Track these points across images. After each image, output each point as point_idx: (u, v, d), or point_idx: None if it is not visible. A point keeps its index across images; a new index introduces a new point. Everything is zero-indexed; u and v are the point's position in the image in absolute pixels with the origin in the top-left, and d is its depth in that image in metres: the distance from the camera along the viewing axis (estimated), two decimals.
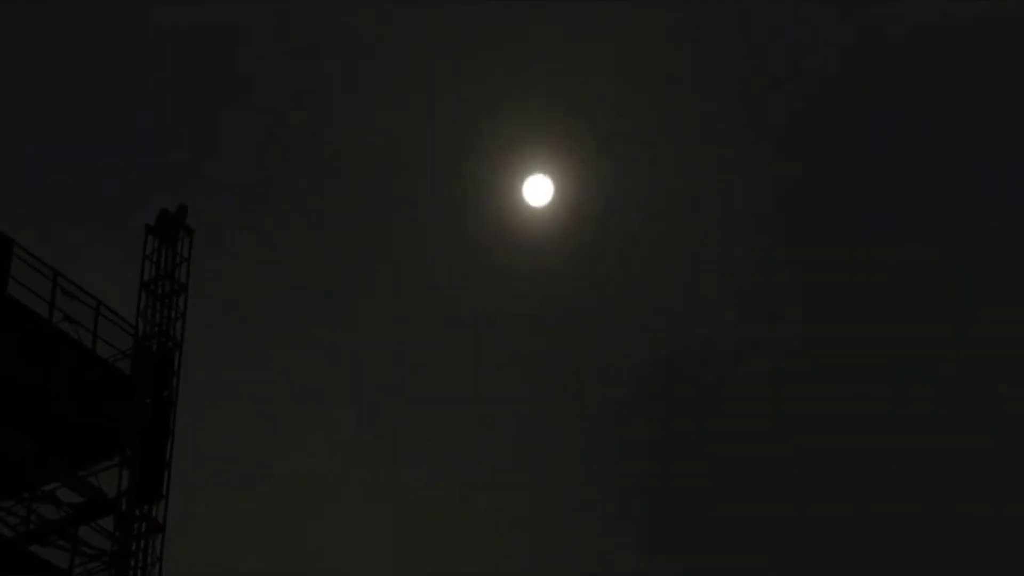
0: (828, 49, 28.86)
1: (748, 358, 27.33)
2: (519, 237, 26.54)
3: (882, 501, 24.83)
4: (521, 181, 25.21)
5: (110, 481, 8.40)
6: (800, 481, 25.79)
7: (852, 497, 24.93)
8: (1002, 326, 26.38)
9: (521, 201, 25.79)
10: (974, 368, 26.45)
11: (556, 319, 27.24)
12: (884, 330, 27.49)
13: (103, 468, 8.55)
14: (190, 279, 10.70)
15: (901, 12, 27.42)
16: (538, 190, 25.26)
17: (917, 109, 29.73)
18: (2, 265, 7.66)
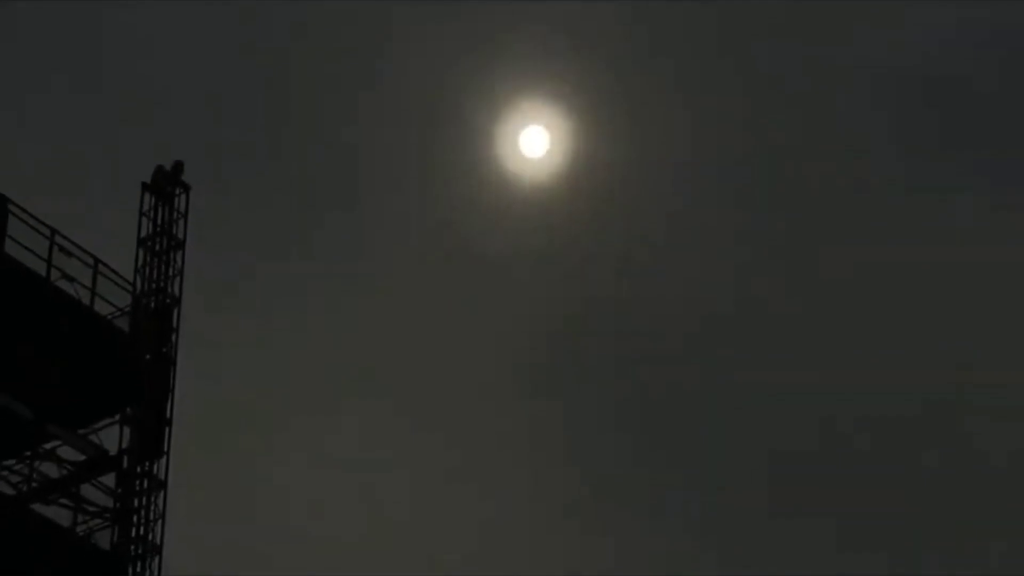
0: None
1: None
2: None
3: None
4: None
5: (111, 439, 8.40)
6: None
7: None
8: None
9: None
10: None
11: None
12: None
13: (104, 426, 8.52)
14: (187, 236, 10.46)
15: None
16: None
17: None
18: None
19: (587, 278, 29.09)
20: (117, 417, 8.53)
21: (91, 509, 8.01)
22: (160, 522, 8.18)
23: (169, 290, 9.77)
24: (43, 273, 7.64)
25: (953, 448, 26.90)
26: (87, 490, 8.07)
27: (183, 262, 10.24)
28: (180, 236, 10.27)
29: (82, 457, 8.13)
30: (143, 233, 9.94)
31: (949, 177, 28.74)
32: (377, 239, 29.25)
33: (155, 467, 8.40)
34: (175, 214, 10.35)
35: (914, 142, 30.33)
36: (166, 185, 10.45)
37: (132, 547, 8.00)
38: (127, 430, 8.45)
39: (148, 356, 8.93)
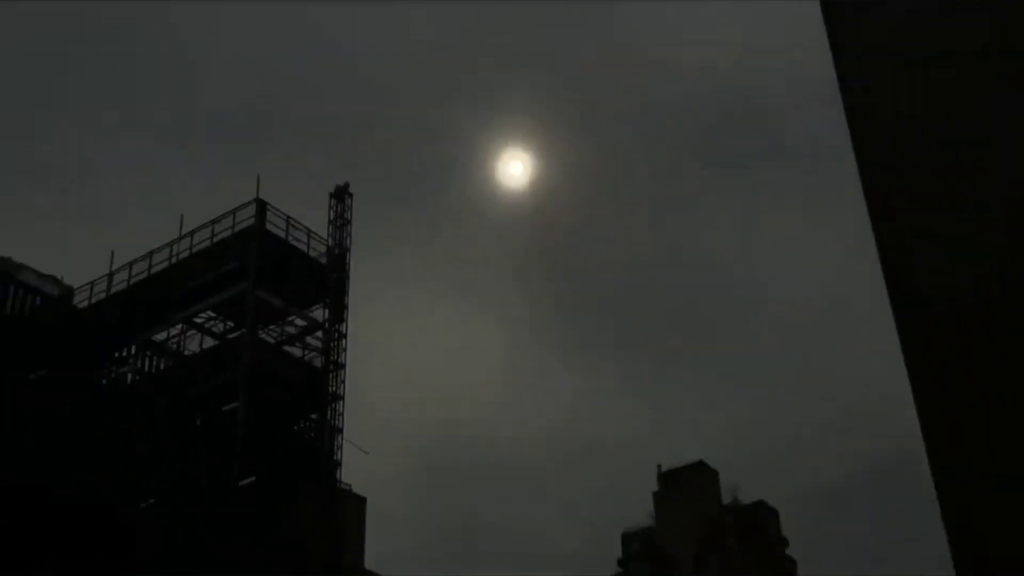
0: None
1: None
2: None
3: None
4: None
5: (318, 315, 16.39)
6: None
7: None
8: None
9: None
10: None
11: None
12: None
13: (315, 308, 16.58)
14: (353, 216, 18.56)
15: None
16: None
17: None
18: (259, 213, 15.98)
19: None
20: (323, 304, 16.49)
21: (311, 348, 15.91)
22: (344, 354, 15.66)
23: (345, 244, 17.78)
24: (284, 237, 16.14)
25: None
26: (311, 341, 16.07)
27: (351, 232, 18.30)
28: (348, 217, 18.39)
29: (305, 323, 16.17)
30: (330, 217, 18.29)
31: None
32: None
33: (343, 327, 16.01)
34: (346, 207, 18.56)
35: None
36: (342, 194, 18.82)
37: (331, 367, 15.58)
38: (326, 311, 16.30)
39: (334, 276, 16.84)
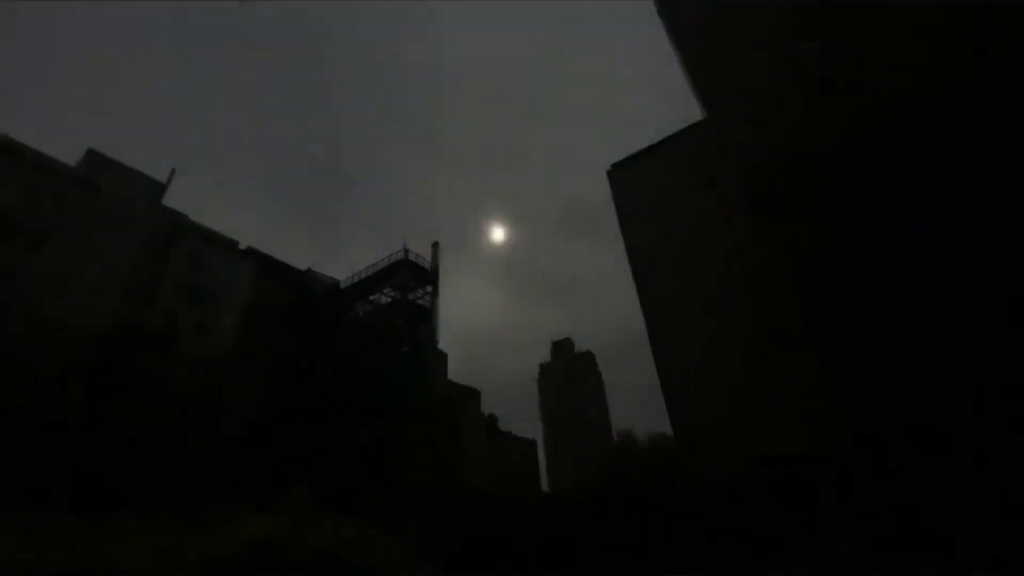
0: None
1: None
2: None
3: None
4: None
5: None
6: None
7: None
8: None
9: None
10: None
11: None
12: None
13: (426, 292, 47.57)
14: (440, 253, 49.25)
15: None
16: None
17: None
18: (405, 251, 47.01)
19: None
20: (429, 286, 47.44)
21: (416, 312, 46.97)
22: (437, 309, 46.58)
23: (437, 263, 48.43)
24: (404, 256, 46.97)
25: None
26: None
27: (439, 251, 48.98)
28: (438, 254, 48.99)
29: (425, 293, 47.27)
30: (432, 253, 49.05)
31: None
32: None
33: (437, 299, 46.92)
34: (438, 251, 49.09)
35: None
36: (436, 245, 49.35)
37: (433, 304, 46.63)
38: (430, 287, 47.27)
39: (435, 279, 47.69)
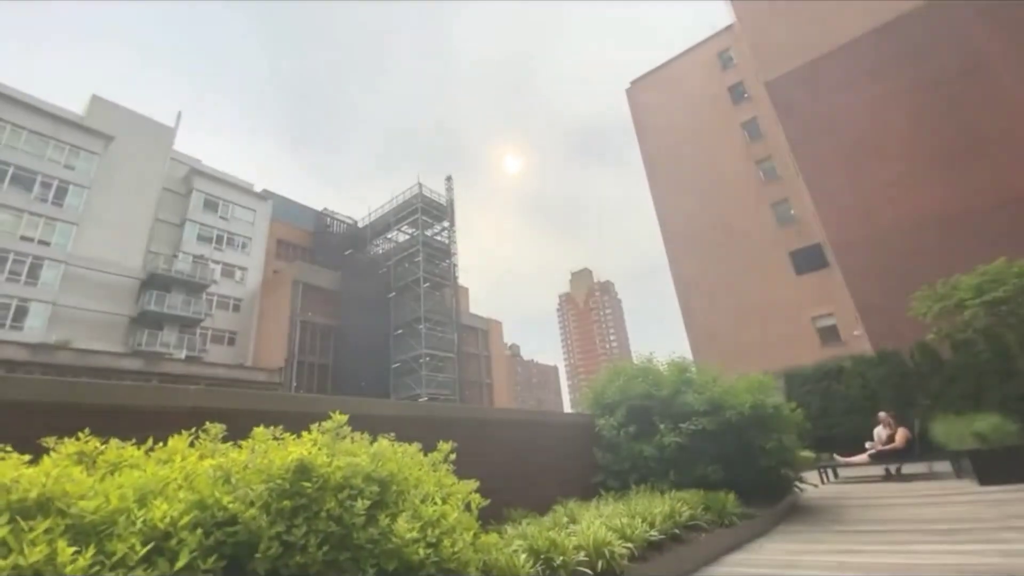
0: None
1: None
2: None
3: None
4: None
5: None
6: None
7: None
8: None
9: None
10: None
11: None
12: None
13: (443, 227, 47.37)
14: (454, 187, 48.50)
15: None
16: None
17: None
18: (419, 188, 46.38)
19: None
20: (448, 221, 47.19)
21: (439, 230, 46.96)
22: (453, 233, 46.57)
23: (452, 198, 47.87)
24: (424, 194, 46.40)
25: None
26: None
27: (453, 185, 48.31)
28: (452, 188, 48.23)
29: (442, 228, 47.10)
30: (446, 187, 48.34)
31: None
32: None
33: (454, 232, 46.75)
34: (451, 184, 48.29)
35: None
36: (449, 179, 48.46)
37: (450, 239, 46.67)
38: (446, 223, 47.05)
39: (449, 210, 47.30)
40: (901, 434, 9.70)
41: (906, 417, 10.32)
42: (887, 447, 9.73)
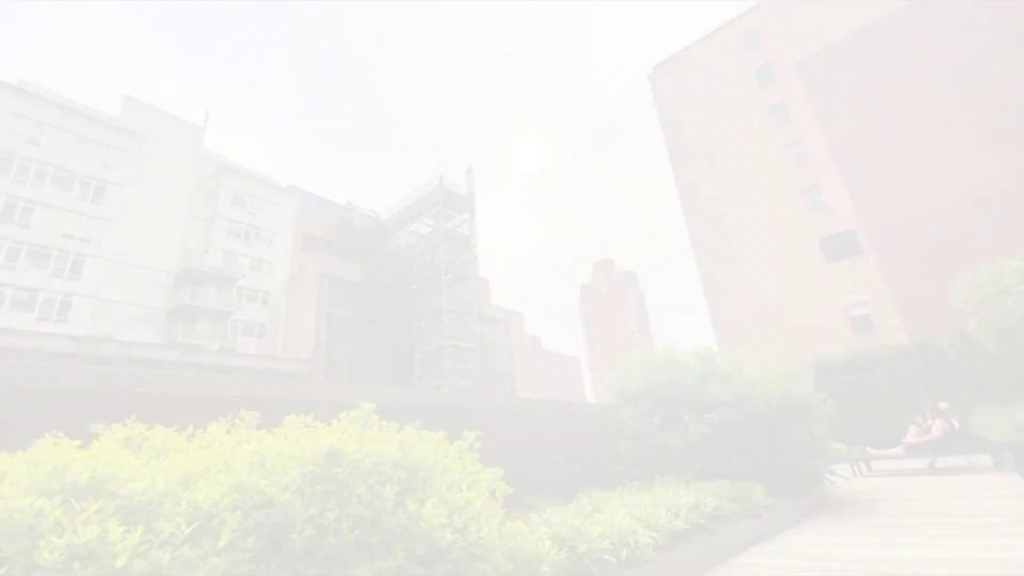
0: None
1: None
2: None
3: None
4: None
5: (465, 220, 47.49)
6: None
7: None
8: None
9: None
10: None
11: None
12: None
13: (463, 219, 47.56)
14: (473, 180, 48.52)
15: None
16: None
17: None
18: (440, 181, 46.55)
19: None
20: (469, 214, 47.34)
21: (459, 222, 47.14)
22: (474, 225, 46.67)
23: (472, 190, 47.92)
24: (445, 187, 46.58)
25: None
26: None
27: (475, 229, 48.34)
28: (472, 180, 48.26)
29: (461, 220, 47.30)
30: (466, 180, 48.40)
31: None
32: None
33: (474, 223, 46.89)
34: (473, 176, 48.35)
35: None
36: (470, 171, 48.55)
37: (471, 231, 46.81)
38: (467, 216, 47.21)
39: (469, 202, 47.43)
40: (939, 426, 9.37)
41: (939, 409, 9.94)
42: (922, 439, 9.42)
